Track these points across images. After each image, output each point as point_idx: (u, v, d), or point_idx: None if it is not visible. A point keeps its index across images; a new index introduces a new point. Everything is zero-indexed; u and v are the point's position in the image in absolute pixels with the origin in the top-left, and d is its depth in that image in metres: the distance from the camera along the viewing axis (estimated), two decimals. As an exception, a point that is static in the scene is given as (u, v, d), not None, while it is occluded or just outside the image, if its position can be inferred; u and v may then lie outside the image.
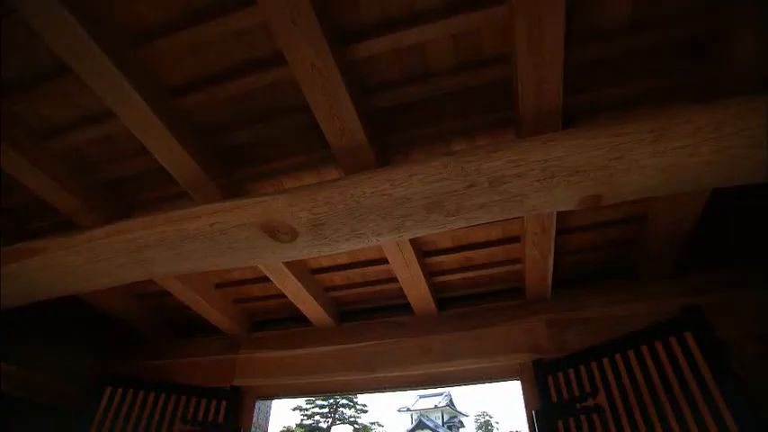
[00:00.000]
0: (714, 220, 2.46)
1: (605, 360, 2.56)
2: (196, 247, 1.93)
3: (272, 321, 3.74)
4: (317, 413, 20.35)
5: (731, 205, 2.43)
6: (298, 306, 3.24)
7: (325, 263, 3.04)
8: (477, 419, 32.43)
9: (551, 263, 2.64)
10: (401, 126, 2.07)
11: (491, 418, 32.42)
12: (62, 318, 3.73)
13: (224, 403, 3.44)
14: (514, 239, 2.73)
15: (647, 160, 1.48)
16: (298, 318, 3.52)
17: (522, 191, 1.55)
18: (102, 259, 2.06)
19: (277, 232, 1.73)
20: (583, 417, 2.56)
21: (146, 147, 2.04)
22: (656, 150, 1.46)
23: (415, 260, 2.68)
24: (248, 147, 2.26)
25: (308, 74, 1.67)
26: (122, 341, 4.05)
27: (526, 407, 2.86)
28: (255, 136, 2.19)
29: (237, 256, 1.96)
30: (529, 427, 2.80)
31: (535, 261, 2.62)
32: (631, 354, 2.47)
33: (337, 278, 3.20)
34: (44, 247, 2.08)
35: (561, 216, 2.43)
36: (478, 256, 2.90)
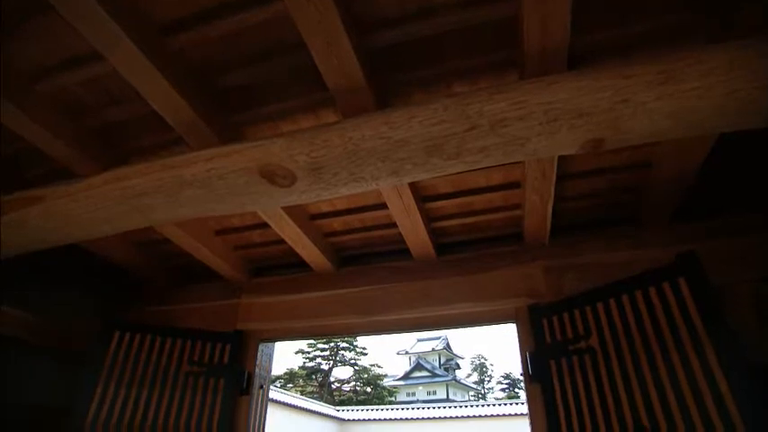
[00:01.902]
0: (716, 168, 2.43)
1: (600, 304, 2.62)
2: (194, 193, 1.92)
3: (273, 267, 3.80)
4: (319, 356, 21.14)
5: (734, 152, 2.39)
6: (297, 251, 3.27)
7: (325, 208, 3.04)
8: (473, 362, 33.76)
9: (551, 209, 2.64)
10: (401, 67, 2.00)
11: (486, 360, 33.72)
12: (67, 265, 3.77)
13: (228, 346, 3.55)
14: (515, 185, 2.71)
15: (654, 103, 1.43)
16: (298, 263, 3.57)
17: (524, 134, 1.52)
18: (100, 207, 2.05)
19: (275, 176, 1.71)
20: (575, 358, 2.66)
21: (138, 91, 1.98)
22: (664, 93, 1.41)
23: (414, 205, 2.68)
24: (244, 89, 2.19)
25: (303, 8, 1.59)
26: (127, 288, 4.11)
27: (521, 348, 2.96)
28: (251, 77, 2.12)
29: (236, 202, 1.95)
30: (522, 367, 2.91)
31: (535, 207, 2.62)
32: (625, 299, 2.52)
33: (336, 224, 3.21)
34: (42, 196, 2.07)
35: (562, 161, 2.40)
36: (478, 201, 2.89)
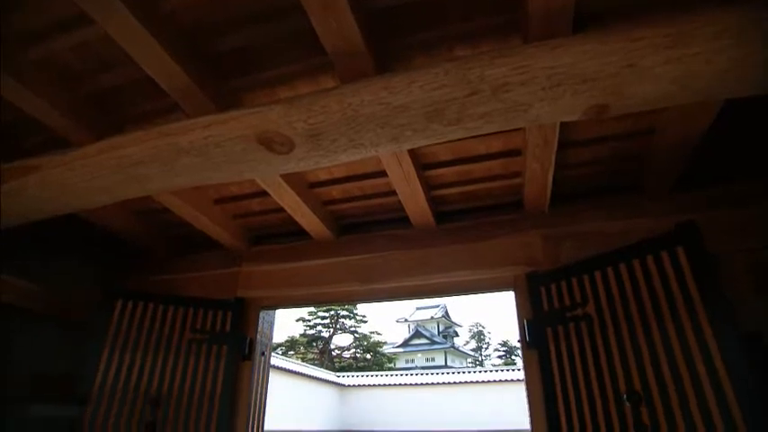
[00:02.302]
0: (719, 135, 2.40)
1: (597, 273, 2.64)
2: (191, 161, 1.89)
3: (273, 235, 3.80)
4: (319, 324, 21.46)
5: (737, 120, 2.35)
6: (297, 220, 3.27)
7: (323, 176, 3.02)
8: (471, 330, 34.33)
9: (551, 177, 2.62)
10: (401, 30, 1.94)
11: (484, 328, 34.27)
12: (68, 235, 3.78)
13: (229, 314, 3.60)
14: (515, 152, 2.68)
15: (661, 68, 1.39)
16: (297, 231, 3.56)
17: (527, 99, 1.49)
18: (97, 176, 2.03)
19: (273, 144, 1.68)
20: (571, 325, 2.69)
21: (130, 55, 1.93)
22: (671, 57, 1.37)
23: (414, 173, 2.66)
24: (240, 54, 2.14)
25: (298, -32, 1.53)
26: (127, 258, 4.13)
27: (518, 316, 3.00)
28: (247, 41, 2.06)
29: (234, 170, 1.93)
30: (520, 334, 2.96)
31: (535, 175, 2.60)
32: (623, 267, 2.53)
33: (335, 192, 3.19)
34: (38, 165, 2.04)
35: (564, 129, 2.36)
36: (478, 169, 2.87)
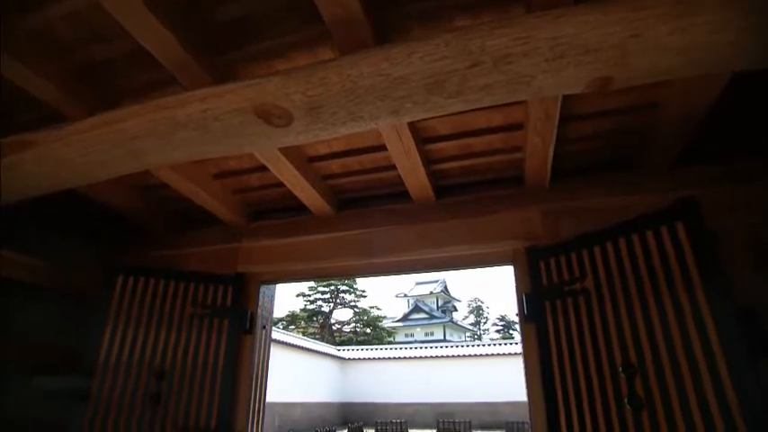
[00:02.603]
0: (722, 111, 2.37)
1: (596, 247, 2.65)
2: (189, 134, 1.87)
3: (272, 210, 3.79)
4: (320, 299, 21.67)
5: (741, 95, 2.32)
6: (296, 194, 3.26)
7: (323, 150, 2.99)
8: (470, 304, 34.70)
9: (552, 151, 2.60)
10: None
11: (482, 303, 34.65)
12: (68, 212, 3.78)
13: (230, 288, 3.63)
14: (516, 126, 2.65)
15: (666, 39, 1.36)
16: (297, 206, 3.56)
17: (529, 71, 1.46)
18: (93, 151, 2.01)
19: (271, 116, 1.66)
20: (569, 299, 2.72)
21: (123, 26, 1.89)
22: (678, 27, 1.33)
23: (414, 147, 2.63)
24: (236, 24, 2.09)
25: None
26: (128, 233, 4.14)
27: (517, 290, 3.02)
28: (243, 10, 2.02)
29: (232, 143, 1.91)
30: (518, 308, 2.99)
31: (536, 149, 2.58)
32: (622, 242, 2.54)
33: (335, 166, 3.17)
34: (34, 140, 2.02)
35: (566, 102, 2.33)
36: (478, 143, 2.84)
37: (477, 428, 9.99)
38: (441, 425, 9.62)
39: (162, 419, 3.21)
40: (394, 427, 9.42)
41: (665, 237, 2.36)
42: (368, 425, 10.44)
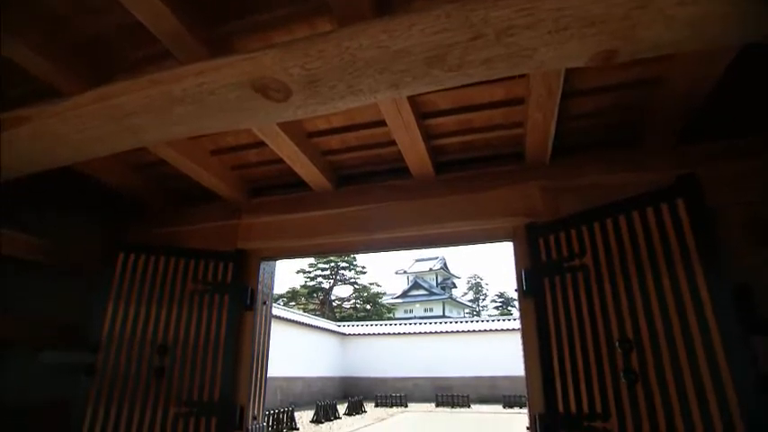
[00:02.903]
0: (726, 87, 2.34)
1: (596, 224, 2.65)
2: (185, 110, 1.85)
3: (272, 187, 3.78)
4: (320, 275, 21.80)
5: (742, 74, 2.27)
6: (295, 170, 3.24)
7: (322, 125, 2.96)
8: (469, 281, 34.95)
9: (553, 127, 2.58)
10: (400, -32, 1.85)
11: (481, 280, 34.90)
12: (69, 190, 3.77)
13: (230, 265, 3.64)
14: (517, 101, 2.62)
15: (674, 9, 1.32)
16: (296, 182, 3.55)
17: (532, 44, 1.42)
18: (89, 127, 1.98)
19: (269, 91, 1.63)
20: (568, 275, 2.73)
21: (116, -3, 1.84)
22: (685, -2, 1.30)
23: (413, 121, 2.60)
24: (232, -5, 2.04)
25: None
26: (128, 211, 4.13)
27: (516, 266, 3.03)
28: (239, -19, 1.96)
29: (230, 118, 1.88)
30: (517, 284, 3.00)
31: (537, 125, 2.56)
32: (622, 219, 2.54)
33: (334, 142, 3.14)
34: (29, 116, 1.99)
35: (568, 78, 2.29)
36: (479, 118, 2.81)
37: (474, 402, 10.19)
38: (439, 398, 9.81)
39: (166, 394, 3.26)
40: (393, 401, 9.61)
41: (665, 214, 2.35)
42: (368, 398, 10.64)
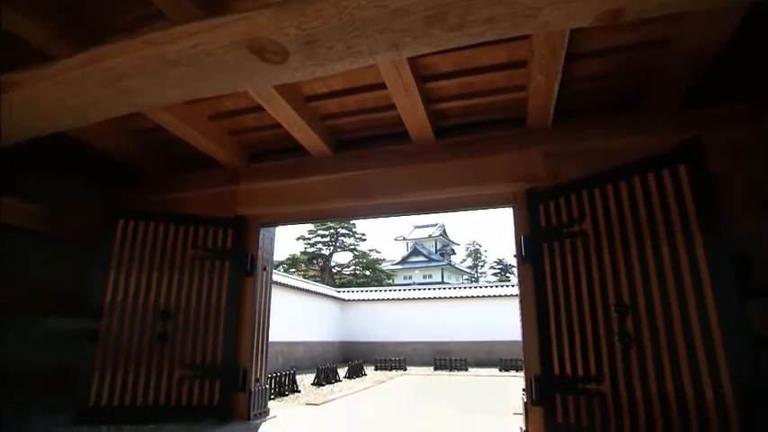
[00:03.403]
0: (729, 51, 2.28)
1: (596, 190, 2.63)
2: (181, 72, 1.81)
3: (270, 152, 3.75)
4: (319, 242, 21.88)
5: (747, 36, 2.21)
6: (294, 135, 3.21)
7: (320, 89, 2.90)
8: (468, 248, 35.13)
9: (556, 90, 2.53)
10: None
11: (480, 246, 35.08)
12: (69, 159, 3.75)
13: (230, 231, 3.66)
14: (520, 64, 2.56)
15: (682, -35, 1.28)
16: (295, 148, 3.52)
17: (535, 3, 1.38)
18: (83, 91, 1.95)
19: (265, 52, 1.59)
20: (567, 241, 2.74)
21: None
22: (695, -48, 1.25)
23: (414, 84, 2.56)
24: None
25: None
26: (128, 179, 4.11)
27: (515, 232, 3.04)
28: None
29: (227, 81, 1.84)
30: (516, 250, 3.02)
31: (540, 88, 2.51)
32: (622, 184, 2.52)
33: (333, 106, 3.10)
34: (20, 81, 1.95)
35: (572, 39, 2.23)
36: (481, 81, 2.76)
37: (472, 365, 10.44)
38: (437, 362, 10.02)
39: (170, 358, 3.33)
40: (393, 364, 9.83)
41: (667, 179, 2.33)
42: (368, 362, 10.89)
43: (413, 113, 2.87)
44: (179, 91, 1.93)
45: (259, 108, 2.93)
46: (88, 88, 1.93)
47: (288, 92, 2.72)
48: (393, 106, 2.87)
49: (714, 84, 2.58)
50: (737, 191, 2.48)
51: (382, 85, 2.67)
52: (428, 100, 2.90)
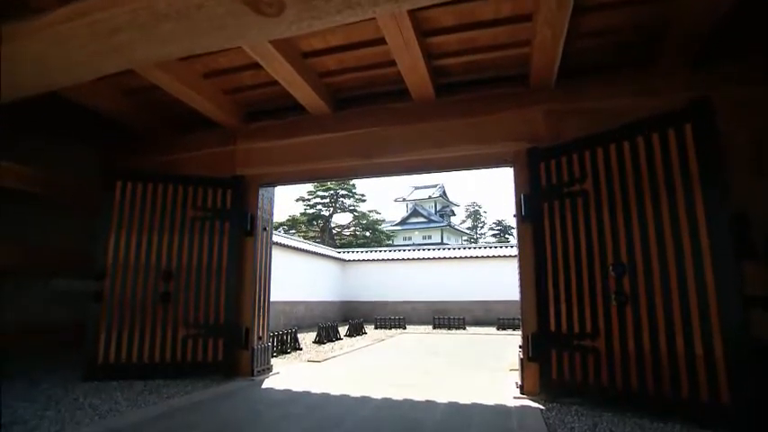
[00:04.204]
0: (743, 8, 2.20)
1: (599, 149, 2.60)
2: (173, 27, 1.74)
3: (268, 112, 3.69)
4: (319, 203, 21.84)
5: None
6: (292, 93, 3.14)
7: (318, 45, 2.82)
8: (468, 209, 35.14)
9: (561, 45, 2.45)
10: None
11: (480, 208, 35.08)
12: (65, 121, 3.69)
13: (229, 191, 3.64)
14: (525, 18, 2.47)
15: None
16: (293, 107, 3.46)
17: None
18: (73, 47, 1.88)
19: (260, 4, 1.53)
20: (567, 200, 2.73)
21: None
22: None
23: (414, 39, 2.48)
24: None
25: None
26: (126, 140, 4.07)
27: (516, 191, 3.02)
28: None
29: (221, 36, 1.78)
30: (516, 209, 3.01)
31: (545, 42, 2.43)
32: (626, 144, 2.49)
33: (331, 62, 3.01)
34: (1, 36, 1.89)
35: (579, -10, 2.15)
36: (483, 36, 2.67)
37: (470, 324, 10.67)
38: (436, 321, 10.23)
39: (173, 317, 3.39)
40: (392, 323, 10.03)
41: (672, 139, 2.30)
42: (368, 321, 11.12)
43: (413, 70, 2.79)
44: (173, 47, 1.87)
45: (255, 65, 2.86)
46: (78, 44, 1.87)
47: (284, 47, 2.64)
48: (393, 62, 2.79)
49: (725, 40, 2.51)
50: (741, 151, 2.46)
51: (382, 41, 2.59)
52: (429, 56, 2.82)
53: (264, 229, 3.75)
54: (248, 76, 3.17)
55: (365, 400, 2.77)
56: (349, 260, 13.05)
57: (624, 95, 2.78)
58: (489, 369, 4.07)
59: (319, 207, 22.07)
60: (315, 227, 21.68)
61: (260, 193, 3.68)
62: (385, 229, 24.31)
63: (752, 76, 2.52)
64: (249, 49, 2.53)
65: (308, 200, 21.92)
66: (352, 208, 22.41)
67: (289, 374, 3.69)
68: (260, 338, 3.57)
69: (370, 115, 3.33)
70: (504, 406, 2.57)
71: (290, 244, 9.80)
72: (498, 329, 9.28)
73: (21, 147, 3.42)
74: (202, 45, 1.85)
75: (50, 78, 2.14)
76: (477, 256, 12.08)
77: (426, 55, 2.74)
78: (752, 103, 2.49)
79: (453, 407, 2.59)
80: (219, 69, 3.13)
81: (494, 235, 31.60)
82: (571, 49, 2.66)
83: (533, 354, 2.77)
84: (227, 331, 3.40)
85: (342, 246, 20.27)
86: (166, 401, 2.65)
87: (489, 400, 2.73)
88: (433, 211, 30.92)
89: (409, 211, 30.75)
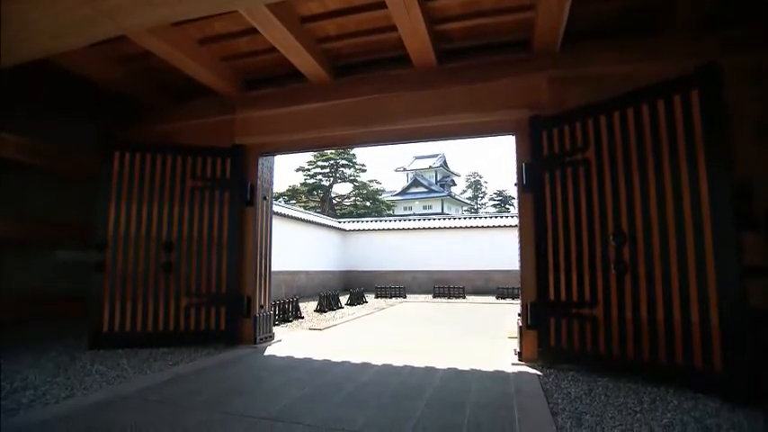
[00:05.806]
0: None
1: (602, 117, 2.56)
2: (165, -12, 1.69)
3: (267, 80, 3.62)
4: (319, 173, 21.74)
5: None
6: (290, 59, 3.07)
7: (316, 9, 2.74)
8: (468, 179, 35.00)
9: (568, 8, 2.38)
10: None
11: (480, 177, 34.93)
12: (63, 91, 3.63)
13: (228, 160, 3.61)
14: (531, -20, 2.40)
15: None
16: (292, 74, 3.40)
17: None
18: (62, 11, 1.83)
19: (255, -36, 1.47)
20: (569, 169, 2.71)
21: None
22: None
23: (415, 2, 2.41)
24: None
25: None
26: (125, 111, 4.01)
27: (517, 160, 2.99)
28: None
29: (215, -1, 1.74)
30: (517, 178, 2.99)
31: (550, 6, 2.36)
32: (630, 111, 2.44)
33: (330, 27, 2.94)
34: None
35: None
36: (487, 0, 2.60)
37: (470, 293, 10.78)
38: (436, 290, 10.34)
39: (175, 287, 3.42)
40: (393, 292, 10.14)
41: (677, 106, 2.25)
42: (368, 290, 11.23)
43: (414, 35, 2.72)
44: (165, 10, 1.82)
45: (252, 30, 2.79)
46: (67, 8, 1.82)
47: (281, 12, 2.57)
48: (393, 27, 2.72)
49: (732, 6, 2.43)
50: (745, 119, 2.42)
51: (382, 4, 2.52)
52: (430, 20, 2.74)
53: (264, 198, 3.74)
54: (245, 42, 3.10)
55: (366, 366, 2.82)
56: (349, 230, 13.09)
57: (630, 61, 2.72)
58: (488, 336, 4.13)
59: (319, 177, 22.00)
60: (315, 197, 21.66)
61: (259, 162, 3.66)
62: (385, 199, 24.30)
63: (758, 43, 2.46)
64: (245, 12, 2.46)
65: (308, 170, 21.83)
66: (352, 178, 22.33)
67: (291, 342, 3.76)
68: (262, 307, 3.62)
69: (371, 83, 3.27)
70: (503, 372, 2.62)
71: (290, 214, 9.82)
72: (498, 298, 9.39)
73: (19, 118, 3.38)
74: (197, 9, 1.80)
75: (41, 44, 2.10)
76: (477, 226, 12.11)
77: (427, 19, 2.67)
78: (759, 69, 2.44)
79: (452, 372, 2.64)
80: (215, 35, 3.05)
81: (494, 205, 31.62)
82: (578, 12, 2.58)
83: (532, 321, 2.80)
84: (229, 300, 3.44)
85: (342, 216, 20.31)
86: (171, 368, 2.70)
87: (488, 366, 2.78)
88: (434, 180, 30.83)
89: (410, 181, 30.66)
